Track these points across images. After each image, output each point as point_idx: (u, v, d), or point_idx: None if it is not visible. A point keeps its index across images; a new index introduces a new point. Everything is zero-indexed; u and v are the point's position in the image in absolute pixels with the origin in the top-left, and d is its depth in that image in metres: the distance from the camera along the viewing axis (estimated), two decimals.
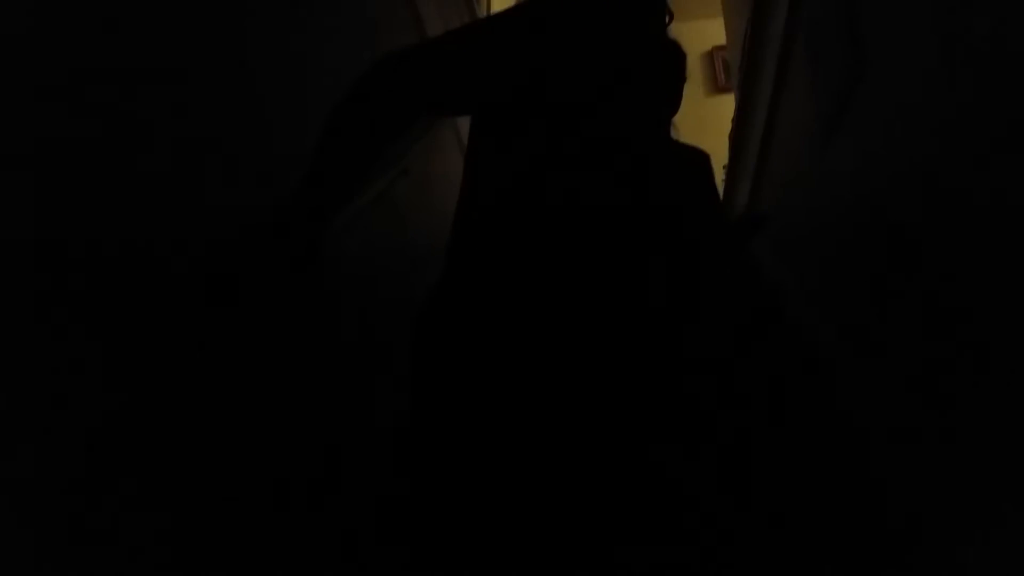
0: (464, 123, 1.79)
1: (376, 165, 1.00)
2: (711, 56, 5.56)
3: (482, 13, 3.59)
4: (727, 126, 3.04)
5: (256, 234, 0.93)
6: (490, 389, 0.85)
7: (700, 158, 1.13)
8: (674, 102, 1.17)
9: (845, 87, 1.42)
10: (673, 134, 1.17)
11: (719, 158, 3.21)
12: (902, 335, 1.20)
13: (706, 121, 4.44)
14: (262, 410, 1.05)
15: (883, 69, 1.25)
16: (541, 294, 0.86)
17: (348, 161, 0.95)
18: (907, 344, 1.17)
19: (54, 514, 0.67)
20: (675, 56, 1.16)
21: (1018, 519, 0.84)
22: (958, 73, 0.96)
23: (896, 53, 1.19)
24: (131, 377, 0.78)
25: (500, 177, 0.96)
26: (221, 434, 0.93)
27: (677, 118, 1.20)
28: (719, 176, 3.29)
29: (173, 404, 0.85)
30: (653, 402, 0.85)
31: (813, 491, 1.34)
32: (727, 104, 3.99)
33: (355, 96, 0.95)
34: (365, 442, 1.38)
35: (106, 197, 0.81)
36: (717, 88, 5.50)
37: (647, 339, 0.86)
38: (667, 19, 1.17)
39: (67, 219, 0.74)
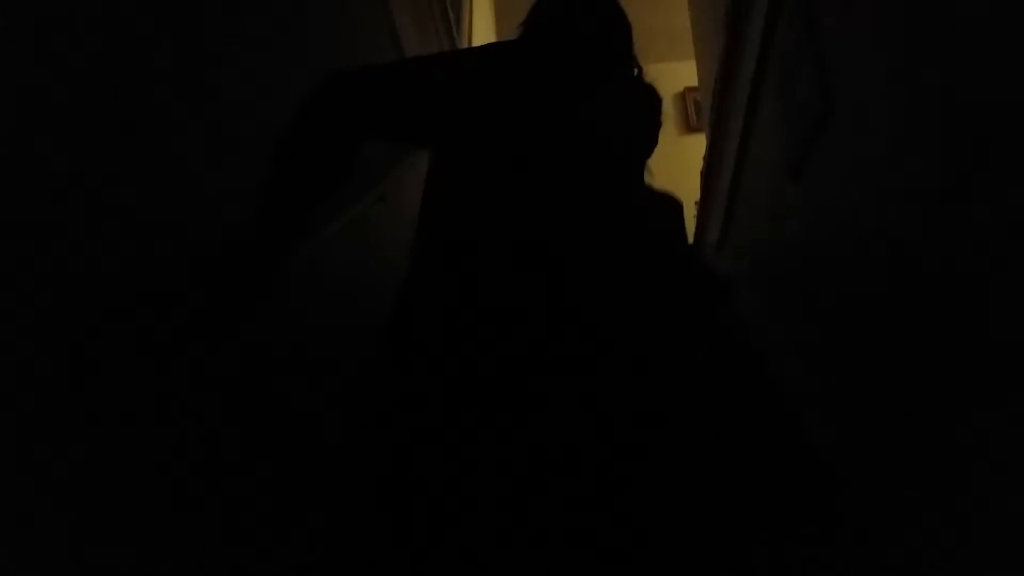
0: None
1: (340, 188, 1.01)
2: (683, 96, 5.70)
3: (462, 32, 3.66)
4: (698, 164, 3.11)
5: (211, 260, 0.93)
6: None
7: (672, 204, 1.16)
8: (650, 144, 1.19)
9: (811, 133, 1.47)
10: (646, 175, 1.19)
11: (691, 195, 3.28)
12: (856, 389, 1.23)
13: (678, 159, 4.53)
14: (233, 423, 1.04)
15: (847, 118, 1.30)
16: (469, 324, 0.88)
17: (297, 188, 0.96)
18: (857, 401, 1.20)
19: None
20: (651, 100, 1.19)
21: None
22: (918, 128, 1.00)
23: (860, 102, 1.24)
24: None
25: (442, 207, 0.99)
26: (187, 451, 0.92)
27: (653, 159, 1.23)
28: (691, 211, 3.35)
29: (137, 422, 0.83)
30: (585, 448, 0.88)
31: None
32: (698, 143, 4.08)
33: (297, 122, 0.96)
34: (333, 455, 1.37)
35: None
36: (689, 128, 5.63)
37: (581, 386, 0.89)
38: (634, 69, 1.20)
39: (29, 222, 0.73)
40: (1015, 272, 0.77)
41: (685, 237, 1.40)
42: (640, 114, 1.16)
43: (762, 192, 2.02)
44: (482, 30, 4.52)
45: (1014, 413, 0.78)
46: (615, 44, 1.16)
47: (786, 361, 1.65)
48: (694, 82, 4.26)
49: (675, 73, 5.25)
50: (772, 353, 1.73)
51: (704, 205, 3.02)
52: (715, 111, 2.55)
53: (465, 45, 3.71)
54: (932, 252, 0.97)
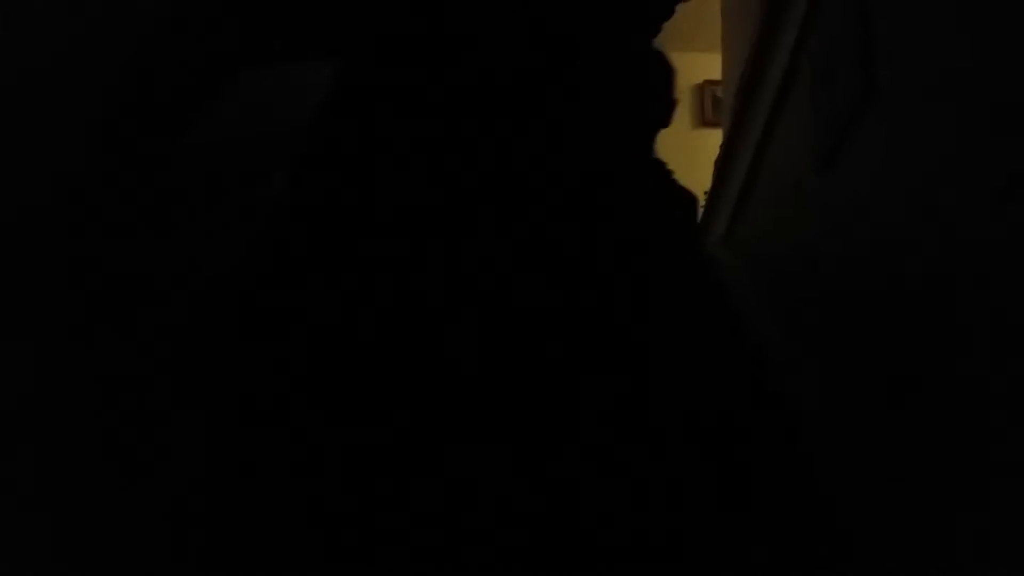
0: None
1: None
2: (701, 89, 5.59)
3: None
4: (708, 161, 3.02)
5: None
6: None
7: (687, 198, 1.09)
8: (660, 118, 1.10)
9: (848, 122, 1.38)
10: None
11: (703, 191, 3.19)
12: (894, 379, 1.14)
13: (691, 153, 4.44)
14: None
15: (892, 106, 1.21)
16: None
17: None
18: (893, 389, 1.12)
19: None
20: (662, 69, 1.11)
21: None
22: (972, 119, 0.91)
23: (908, 82, 1.15)
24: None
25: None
26: None
27: (663, 151, 1.15)
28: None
29: None
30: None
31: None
32: (713, 138, 3.98)
33: None
34: None
35: None
36: (704, 122, 5.52)
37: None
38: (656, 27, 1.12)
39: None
40: None
41: (696, 233, 1.34)
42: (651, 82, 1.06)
43: (783, 185, 1.93)
44: None
45: None
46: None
47: (796, 362, 1.57)
48: (712, 75, 4.15)
49: (694, 64, 5.14)
50: (779, 357, 1.64)
51: (713, 198, 2.93)
52: (739, 99, 2.46)
53: None
54: (982, 250, 0.88)
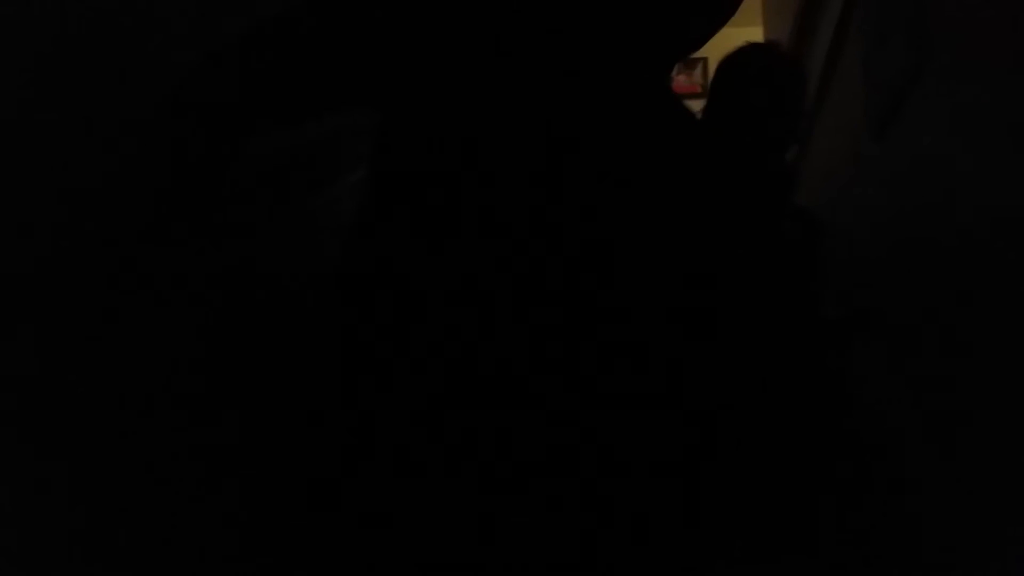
0: None
1: None
2: None
3: None
4: None
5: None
6: None
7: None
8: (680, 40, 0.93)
9: (903, 86, 1.36)
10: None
11: None
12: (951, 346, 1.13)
13: None
14: None
15: (947, 68, 1.19)
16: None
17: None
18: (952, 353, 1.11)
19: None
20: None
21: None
22: None
23: (965, 49, 1.13)
24: None
25: None
26: None
27: None
28: None
29: None
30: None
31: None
32: None
33: None
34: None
35: None
36: None
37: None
38: None
39: None
40: None
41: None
42: None
43: (834, 153, 1.91)
44: None
45: None
46: None
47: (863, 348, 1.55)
48: None
49: (734, 39, 5.04)
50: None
51: None
52: None
53: None
54: None
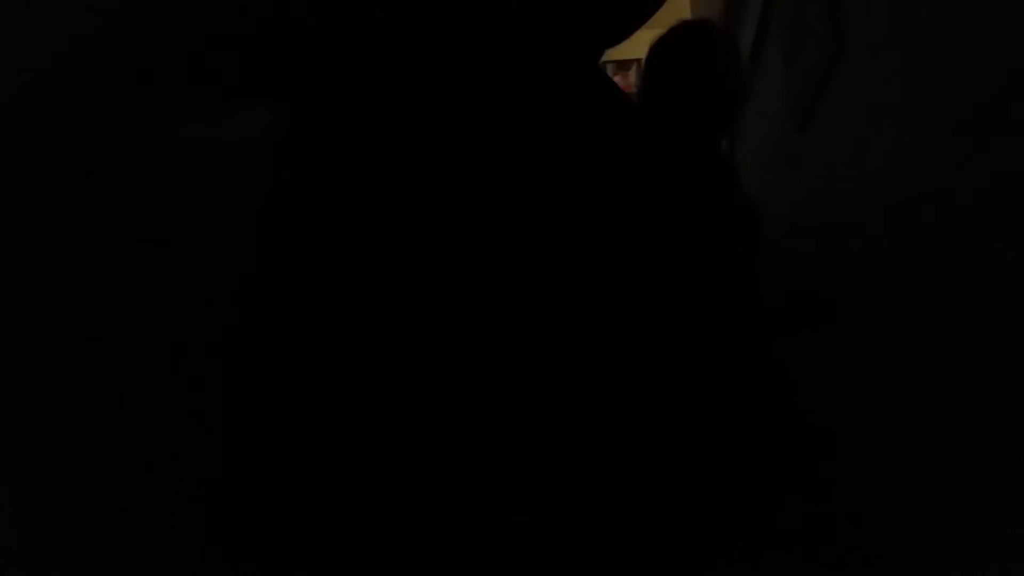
0: None
1: None
2: None
3: None
4: None
5: None
6: None
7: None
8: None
9: (822, 77, 1.38)
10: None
11: None
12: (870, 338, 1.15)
13: None
14: None
15: (860, 56, 1.21)
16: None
17: None
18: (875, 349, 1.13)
19: None
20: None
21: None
22: (939, 59, 0.92)
23: (874, 38, 1.15)
24: None
25: None
26: None
27: None
28: None
29: None
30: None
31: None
32: None
33: None
34: None
35: None
36: None
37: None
38: None
39: None
40: None
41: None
42: None
43: (760, 145, 1.94)
44: None
45: None
46: None
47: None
48: None
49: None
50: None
51: None
52: None
53: None
54: (957, 190, 0.88)
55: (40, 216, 0.72)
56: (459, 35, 0.75)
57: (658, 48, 1.38)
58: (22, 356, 0.61)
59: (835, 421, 1.30)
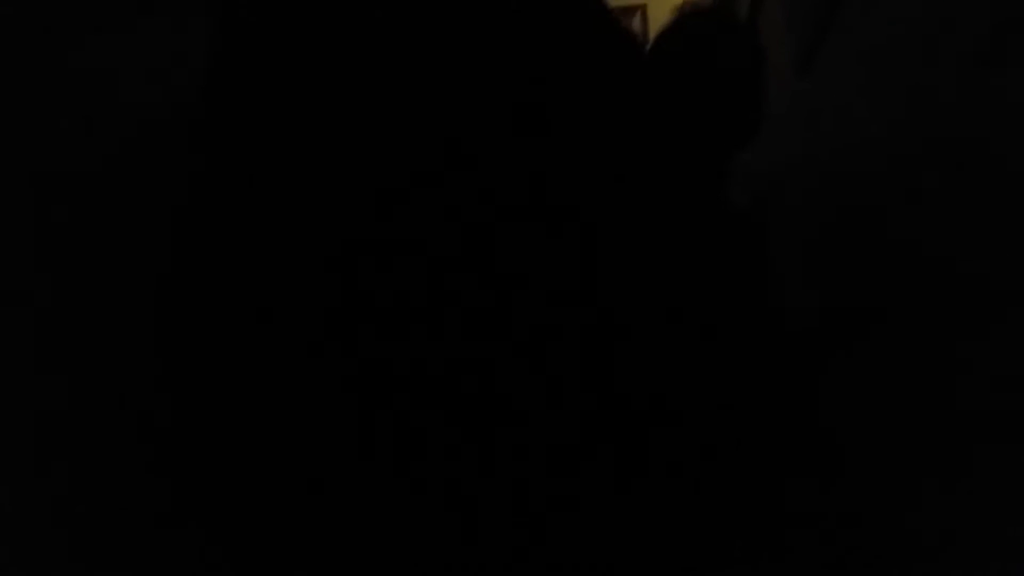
0: None
1: None
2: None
3: None
4: None
5: None
6: None
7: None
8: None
9: (823, 17, 1.36)
10: None
11: None
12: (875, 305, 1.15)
13: None
14: None
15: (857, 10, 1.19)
16: None
17: None
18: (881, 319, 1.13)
19: None
20: None
21: None
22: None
23: None
24: None
25: None
26: None
27: None
28: None
29: None
30: None
31: None
32: None
33: None
34: None
35: None
36: None
37: None
38: None
39: None
40: None
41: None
42: None
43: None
44: None
45: None
46: None
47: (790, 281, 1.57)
48: None
49: None
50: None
51: None
52: None
53: None
54: (962, 123, 0.88)
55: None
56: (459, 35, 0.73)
57: (663, 41, 1.16)
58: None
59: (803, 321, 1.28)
